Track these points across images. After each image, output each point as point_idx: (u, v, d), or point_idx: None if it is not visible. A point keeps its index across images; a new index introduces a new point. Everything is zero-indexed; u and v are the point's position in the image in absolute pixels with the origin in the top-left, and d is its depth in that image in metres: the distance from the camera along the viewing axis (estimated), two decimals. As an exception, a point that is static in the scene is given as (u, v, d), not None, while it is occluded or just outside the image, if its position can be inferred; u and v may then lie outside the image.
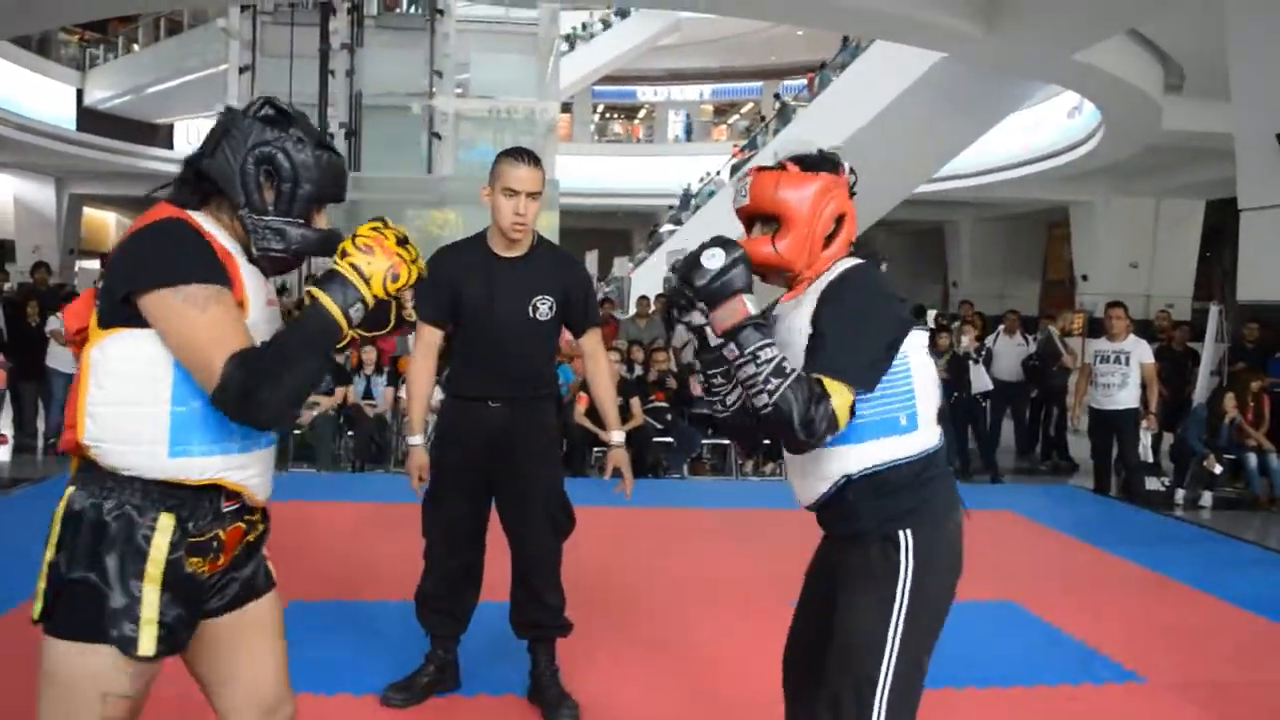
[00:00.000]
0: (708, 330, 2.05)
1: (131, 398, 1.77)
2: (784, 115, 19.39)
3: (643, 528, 5.99)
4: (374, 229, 1.87)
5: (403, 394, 8.34)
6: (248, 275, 1.88)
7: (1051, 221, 24.49)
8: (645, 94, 32.32)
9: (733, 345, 1.96)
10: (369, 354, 8.62)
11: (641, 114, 33.67)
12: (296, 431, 8.27)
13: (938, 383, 2.14)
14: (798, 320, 2.10)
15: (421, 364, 3.34)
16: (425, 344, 3.33)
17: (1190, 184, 18.92)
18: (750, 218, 2.19)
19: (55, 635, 1.76)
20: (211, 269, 1.78)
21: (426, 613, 3.41)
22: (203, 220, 1.86)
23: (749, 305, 1.97)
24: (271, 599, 2.08)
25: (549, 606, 3.37)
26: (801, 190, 2.11)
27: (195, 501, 1.82)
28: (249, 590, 2.02)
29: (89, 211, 25.14)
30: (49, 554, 1.79)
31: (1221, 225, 19.99)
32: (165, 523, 1.78)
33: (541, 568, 3.34)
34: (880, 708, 2.02)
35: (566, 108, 27.08)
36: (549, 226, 15.14)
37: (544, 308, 3.25)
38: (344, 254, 1.85)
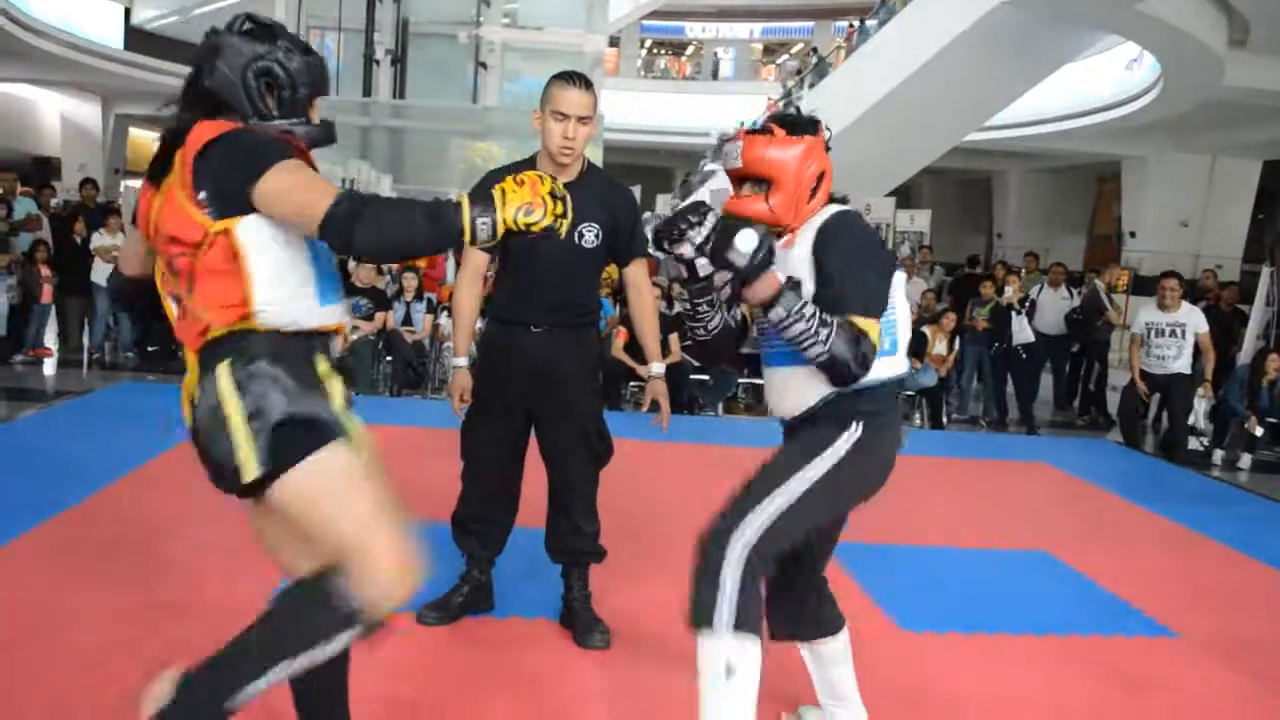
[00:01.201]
0: (697, 263, 2.29)
1: (287, 263, 2.06)
2: (820, 69, 19.11)
3: (677, 462, 6.00)
4: (539, 176, 2.04)
5: (442, 321, 8.39)
6: None
7: (1101, 175, 24.05)
8: (694, 30, 31.83)
9: (778, 309, 2.21)
10: (409, 280, 8.66)
11: (689, 50, 33.22)
12: (337, 355, 8.34)
13: (910, 319, 2.46)
14: (794, 258, 2.36)
15: (467, 288, 3.33)
16: (472, 267, 3.32)
17: (1248, 143, 18.48)
18: (741, 178, 2.44)
19: (294, 464, 2.00)
20: (287, 151, 2.05)
21: (463, 534, 3.44)
22: None
23: (779, 274, 2.24)
24: None
25: (585, 533, 3.39)
26: (789, 153, 2.36)
27: (324, 341, 2.18)
28: None
29: (135, 132, 25.23)
30: (239, 422, 1.99)
31: (1277, 186, 19.57)
32: (321, 357, 2.16)
33: (578, 494, 3.36)
34: (758, 528, 2.26)
35: (614, 42, 26.76)
36: (594, 161, 15.00)
37: (590, 235, 3.23)
38: (501, 179, 2.05)
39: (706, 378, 8.56)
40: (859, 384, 2.31)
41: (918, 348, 8.92)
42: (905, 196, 17.08)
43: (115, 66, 19.43)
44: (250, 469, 1.99)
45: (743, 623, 2.18)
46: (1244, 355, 9.10)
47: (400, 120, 13.93)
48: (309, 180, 2.01)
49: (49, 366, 9.06)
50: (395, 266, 9.58)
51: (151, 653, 3.04)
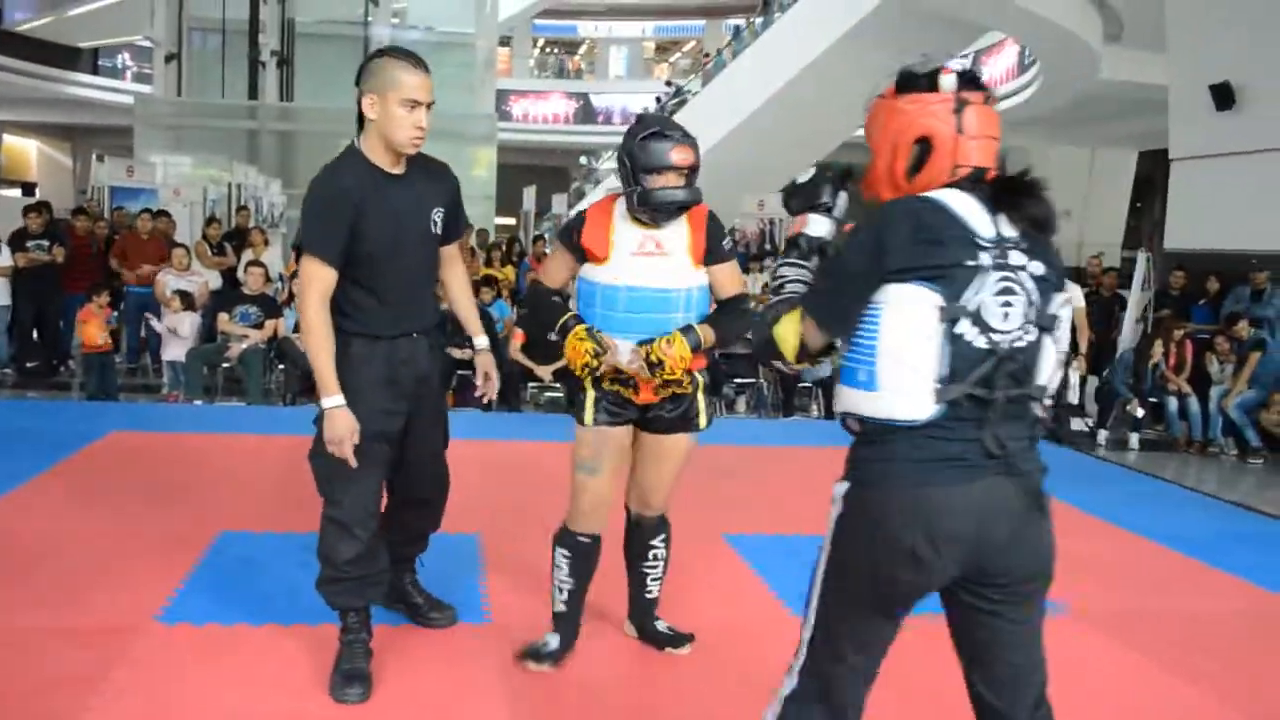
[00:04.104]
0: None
1: None
2: (719, 64, 19.34)
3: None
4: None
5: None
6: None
7: (988, 168, 24.72)
8: (586, 29, 31.85)
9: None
10: (299, 286, 8.46)
11: (582, 49, 33.22)
12: (226, 365, 8.13)
13: (936, 354, 1.83)
14: None
15: (325, 314, 2.84)
16: (324, 289, 2.84)
17: (1124, 134, 19.19)
18: None
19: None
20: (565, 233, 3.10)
21: (348, 589, 3.00)
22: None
23: (810, 226, 2.09)
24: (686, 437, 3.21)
25: (438, 517, 3.38)
26: (874, 117, 1.97)
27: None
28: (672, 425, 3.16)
29: (9, 139, 24.29)
30: (702, 394, 3.16)
31: (1151, 175, 20.36)
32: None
33: (443, 483, 3.29)
34: (802, 650, 2.00)
35: (506, 42, 26.62)
36: (488, 162, 14.94)
37: (438, 220, 3.03)
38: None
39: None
40: (848, 414, 1.91)
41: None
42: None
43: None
44: (703, 423, 3.16)
45: None
46: (1124, 339, 9.43)
47: (288, 123, 13.67)
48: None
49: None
50: (284, 271, 9.40)
51: (35, 682, 2.94)
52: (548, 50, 33.37)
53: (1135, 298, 9.69)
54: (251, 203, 11.40)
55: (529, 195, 18.28)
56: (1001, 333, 1.84)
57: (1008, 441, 1.84)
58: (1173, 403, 8.48)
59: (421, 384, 3.06)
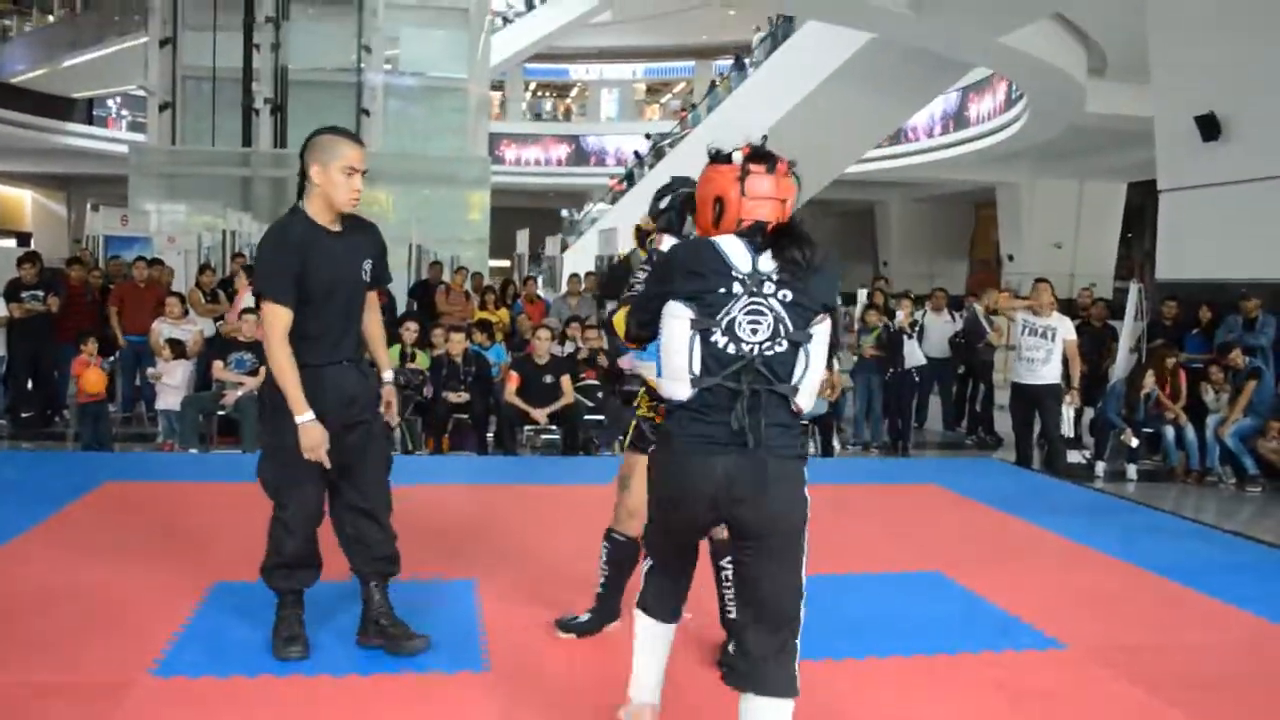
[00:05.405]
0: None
1: None
2: (694, 117, 19.64)
3: (570, 504, 5.97)
4: None
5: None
6: None
7: (979, 202, 24.90)
8: (577, 72, 32.12)
9: None
10: (262, 328, 8.43)
11: (574, 92, 33.48)
12: (221, 413, 8.12)
13: (690, 354, 2.55)
14: None
15: (288, 348, 3.33)
16: (284, 327, 3.33)
17: (1112, 166, 19.34)
18: None
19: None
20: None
21: (291, 573, 3.55)
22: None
23: (663, 243, 3.02)
24: None
25: (394, 539, 3.62)
26: (700, 179, 2.75)
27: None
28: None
29: (3, 189, 24.39)
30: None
31: (1142, 206, 20.50)
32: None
33: (386, 503, 3.62)
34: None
35: (498, 86, 26.84)
36: (482, 206, 15.01)
37: (368, 268, 3.54)
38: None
39: (601, 418, 8.54)
40: (659, 391, 2.70)
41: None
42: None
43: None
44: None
45: (639, 601, 2.88)
46: (1118, 370, 9.44)
47: (282, 170, 13.73)
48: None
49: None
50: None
51: (24, 737, 2.91)
52: (539, 94, 33.63)
53: (1128, 328, 9.71)
54: (246, 249, 11.43)
55: (522, 238, 18.34)
56: (750, 343, 2.53)
57: (753, 426, 2.50)
58: (1169, 432, 8.48)
59: (350, 405, 3.48)
